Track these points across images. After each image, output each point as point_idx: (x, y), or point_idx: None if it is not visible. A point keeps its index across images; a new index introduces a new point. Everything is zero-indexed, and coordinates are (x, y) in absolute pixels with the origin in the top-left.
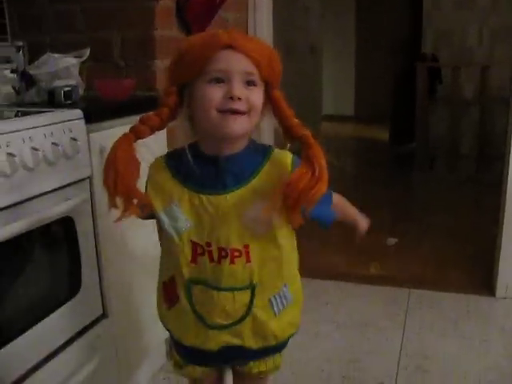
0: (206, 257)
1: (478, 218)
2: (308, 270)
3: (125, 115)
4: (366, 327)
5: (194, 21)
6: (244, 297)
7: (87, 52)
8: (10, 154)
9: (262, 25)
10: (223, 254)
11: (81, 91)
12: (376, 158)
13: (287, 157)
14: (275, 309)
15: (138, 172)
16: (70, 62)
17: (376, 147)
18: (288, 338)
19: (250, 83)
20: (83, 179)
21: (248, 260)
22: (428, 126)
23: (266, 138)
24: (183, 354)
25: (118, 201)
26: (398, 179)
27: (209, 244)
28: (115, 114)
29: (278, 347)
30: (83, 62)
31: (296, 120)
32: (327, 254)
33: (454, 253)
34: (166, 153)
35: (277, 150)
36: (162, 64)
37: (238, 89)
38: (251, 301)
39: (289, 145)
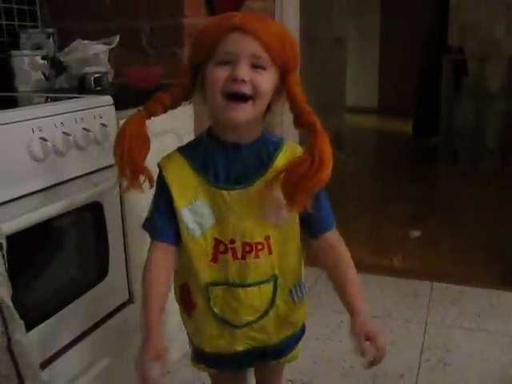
0: (228, 255)
1: (502, 212)
2: None
3: None
4: (389, 319)
5: (222, 9)
6: (268, 289)
7: (116, 39)
8: (43, 139)
9: (289, 16)
10: (248, 249)
11: (110, 78)
12: (399, 151)
13: (298, 148)
14: (295, 298)
15: (146, 148)
16: (100, 48)
17: (399, 140)
18: (303, 325)
19: (258, 66)
20: (112, 165)
21: (270, 252)
22: (452, 118)
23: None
24: (201, 358)
25: (127, 173)
26: (421, 173)
27: (232, 241)
28: (144, 101)
29: (296, 337)
30: (112, 50)
31: (307, 107)
32: (350, 245)
33: (478, 247)
34: (178, 148)
35: (288, 142)
36: None
37: (243, 71)
38: (274, 292)
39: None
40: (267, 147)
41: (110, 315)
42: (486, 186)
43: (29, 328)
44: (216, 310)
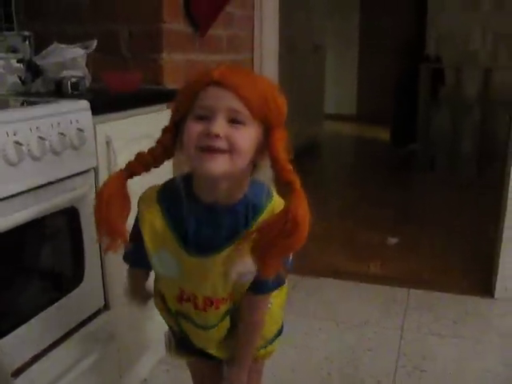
0: (190, 304)
1: (479, 219)
2: (309, 268)
3: (131, 108)
4: (366, 326)
5: (201, 16)
6: (226, 323)
7: (94, 43)
8: (18, 143)
9: (268, 22)
10: (208, 303)
11: (87, 83)
12: (377, 158)
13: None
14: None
15: (126, 210)
16: (77, 52)
17: (377, 147)
18: (276, 333)
19: (235, 121)
20: (88, 170)
21: (231, 301)
22: (430, 126)
23: None
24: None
25: (104, 235)
26: (399, 180)
27: (194, 296)
28: (122, 107)
29: (268, 342)
30: (90, 54)
31: (288, 165)
32: (328, 252)
33: (454, 254)
34: (159, 186)
35: (272, 204)
36: (168, 57)
37: (218, 126)
38: (233, 321)
39: None
40: (247, 213)
41: (86, 322)
42: (463, 193)
43: (2, 335)
44: (184, 331)
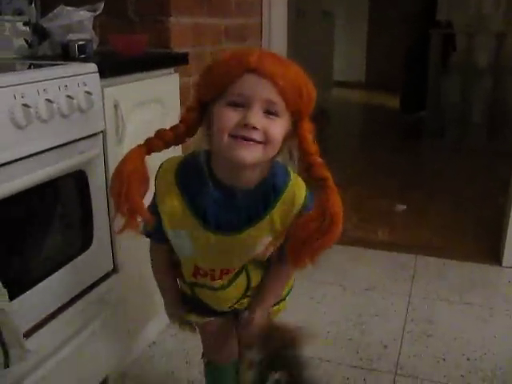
0: (207, 278)
1: (488, 187)
2: None
3: (139, 71)
4: (373, 291)
5: None
6: (243, 279)
7: (101, 6)
8: (25, 106)
9: None
10: (225, 271)
11: (94, 46)
12: (386, 126)
13: (301, 194)
14: None
15: (145, 187)
16: (84, 15)
17: (386, 114)
18: (287, 290)
19: (271, 113)
20: (97, 133)
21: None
22: (440, 93)
23: None
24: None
25: (124, 211)
26: (408, 147)
27: (212, 270)
28: (129, 70)
29: (282, 299)
30: (96, 17)
31: (319, 159)
32: None
33: (462, 221)
34: (177, 163)
35: (292, 184)
36: (176, 21)
37: (255, 117)
38: (248, 279)
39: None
40: (267, 194)
41: (95, 285)
42: (472, 160)
43: (13, 297)
44: (200, 298)
